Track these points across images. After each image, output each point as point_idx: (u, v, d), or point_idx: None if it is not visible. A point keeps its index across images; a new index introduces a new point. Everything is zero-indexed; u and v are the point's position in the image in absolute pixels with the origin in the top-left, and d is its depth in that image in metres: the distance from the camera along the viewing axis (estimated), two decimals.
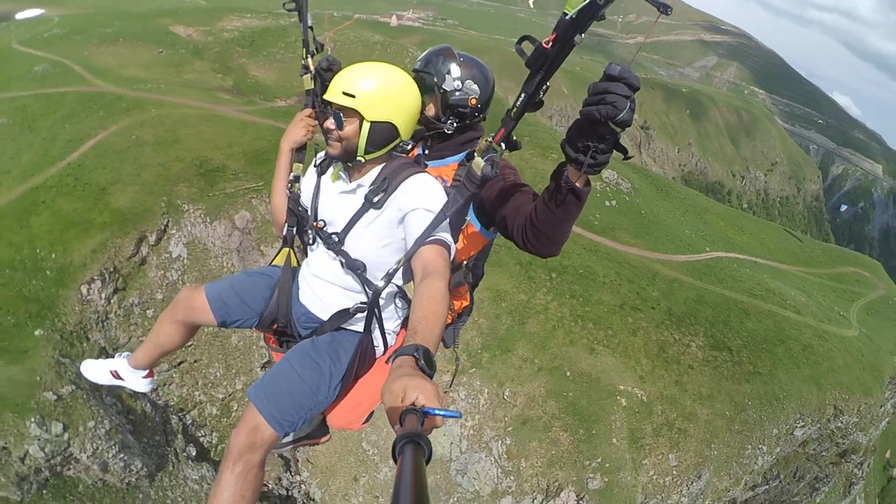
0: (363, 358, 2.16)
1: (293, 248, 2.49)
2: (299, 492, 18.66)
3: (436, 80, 2.20)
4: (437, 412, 1.06)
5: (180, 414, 18.33)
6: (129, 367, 2.67)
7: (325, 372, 2.05)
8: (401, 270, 2.00)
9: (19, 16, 41.96)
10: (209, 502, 1.79)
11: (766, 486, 19.05)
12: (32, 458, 13.47)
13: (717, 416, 16.79)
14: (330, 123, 2.03)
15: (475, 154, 1.92)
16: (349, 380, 2.12)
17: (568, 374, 16.28)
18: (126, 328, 17.91)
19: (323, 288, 2.20)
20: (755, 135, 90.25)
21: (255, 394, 1.97)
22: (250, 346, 19.00)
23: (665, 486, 15.34)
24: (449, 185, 2.10)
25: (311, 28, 2.55)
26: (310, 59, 2.53)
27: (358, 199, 2.07)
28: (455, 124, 2.24)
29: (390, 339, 2.22)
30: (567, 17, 1.48)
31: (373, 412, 2.20)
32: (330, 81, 2.09)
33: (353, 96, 1.94)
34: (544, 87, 1.66)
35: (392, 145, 2.07)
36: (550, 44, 1.56)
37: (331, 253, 2.15)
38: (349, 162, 2.08)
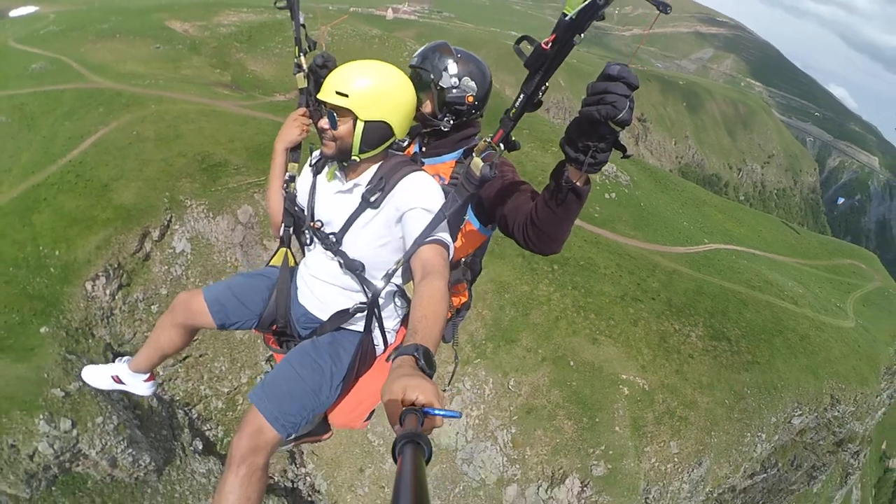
0: (364, 357, 2.16)
1: (290, 249, 2.46)
2: (304, 484, 18.85)
3: (432, 76, 2.17)
4: (436, 412, 1.06)
5: (186, 408, 18.47)
6: (129, 372, 2.67)
7: (327, 372, 2.05)
8: (400, 270, 2.01)
9: (13, 13, 41.56)
10: None
11: (765, 475, 19.36)
12: (41, 456, 13.52)
13: (717, 405, 17.07)
14: (324, 123, 2.01)
15: (474, 154, 1.92)
16: (350, 379, 2.12)
17: (571, 363, 16.53)
18: (131, 324, 18.01)
19: (321, 288, 2.20)
20: (752, 127, 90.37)
21: (256, 396, 1.95)
22: (255, 341, 19.15)
23: (667, 473, 15.63)
24: (447, 182, 2.09)
25: (304, 26, 2.52)
26: (302, 58, 2.50)
27: (355, 199, 2.06)
28: (452, 122, 2.21)
29: (390, 338, 2.22)
30: (566, 18, 1.48)
31: (374, 410, 2.20)
32: (324, 78, 2.07)
33: (347, 96, 1.92)
34: (543, 88, 1.66)
35: (387, 144, 2.06)
36: (550, 45, 1.56)
37: (329, 253, 2.14)
38: (344, 161, 2.07)
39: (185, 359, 18.52)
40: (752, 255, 29.36)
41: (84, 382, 2.80)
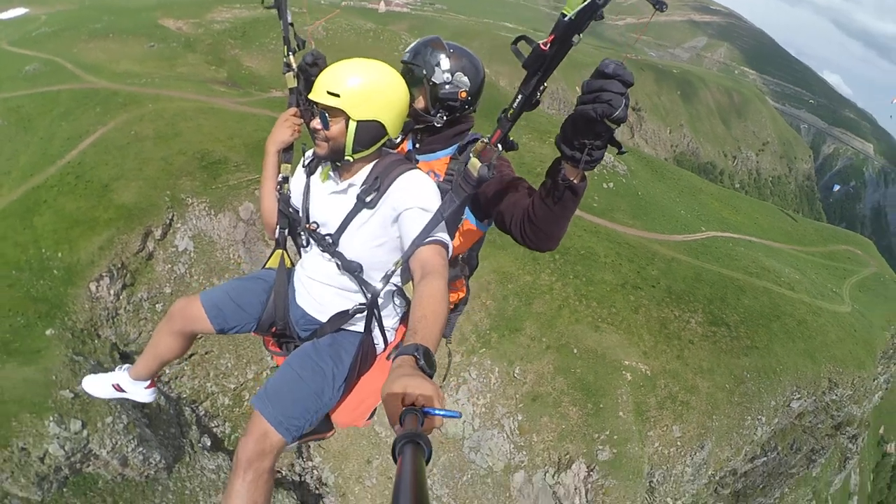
0: (364, 356, 2.16)
1: (286, 250, 2.45)
2: (312, 477, 19.05)
3: (425, 72, 2.14)
4: (437, 412, 1.07)
5: (193, 405, 18.60)
6: (130, 380, 2.66)
7: (329, 374, 2.05)
8: (399, 271, 2.00)
9: (2, 16, 41.10)
10: None
11: (765, 458, 19.70)
12: (52, 457, 13.53)
13: (718, 389, 17.36)
14: (316, 123, 1.98)
15: (471, 154, 1.89)
16: (352, 379, 2.13)
17: (574, 351, 16.78)
18: (136, 323, 18.11)
19: (319, 290, 2.18)
20: (746, 115, 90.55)
21: (260, 401, 1.95)
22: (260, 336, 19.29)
23: (670, 457, 15.94)
24: (441, 179, 2.10)
25: (292, 25, 2.48)
26: (291, 57, 2.48)
27: (350, 199, 2.04)
28: (445, 117, 2.19)
29: (390, 336, 2.22)
30: (566, 19, 1.47)
31: (377, 408, 2.20)
32: (315, 77, 2.04)
33: (338, 95, 1.89)
34: (541, 88, 1.65)
35: (380, 143, 2.04)
36: (548, 45, 1.54)
37: (326, 255, 2.12)
38: (338, 162, 2.04)
39: (190, 356, 18.65)
40: (748, 242, 29.63)
41: (85, 392, 2.79)
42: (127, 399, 2.76)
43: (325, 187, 2.16)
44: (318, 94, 1.93)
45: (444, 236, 1.86)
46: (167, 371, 18.43)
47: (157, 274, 18.57)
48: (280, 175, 2.42)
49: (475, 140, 2.15)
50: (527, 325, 17.33)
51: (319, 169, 2.21)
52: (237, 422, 18.84)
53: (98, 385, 2.74)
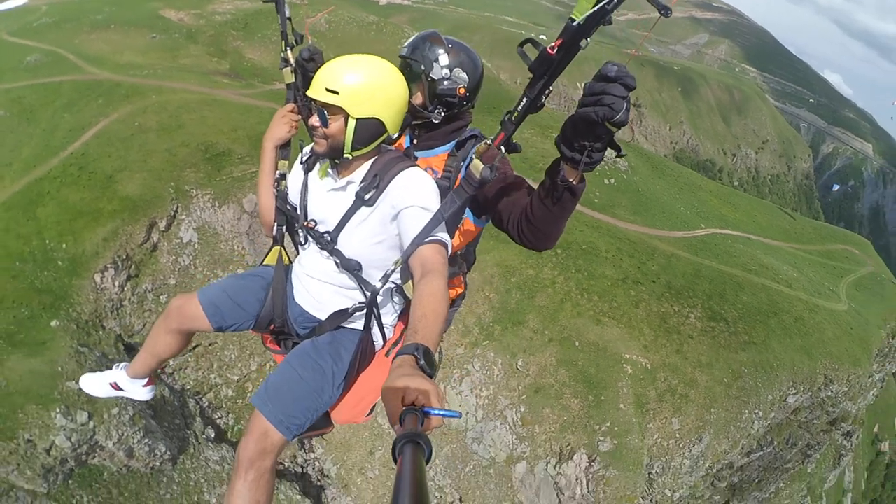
0: (363, 354, 2.16)
1: (284, 247, 2.43)
2: (314, 469, 19.22)
3: (423, 67, 2.11)
4: (437, 412, 1.07)
5: (197, 397, 18.72)
6: (128, 378, 2.65)
7: (328, 372, 2.05)
8: (398, 270, 1.99)
9: (2, 6, 40.84)
10: None
11: (761, 453, 19.96)
12: (58, 449, 13.59)
13: (716, 383, 17.59)
14: (314, 121, 1.96)
15: (473, 156, 1.89)
16: (351, 377, 2.13)
17: (576, 344, 17.01)
18: (140, 315, 18.21)
19: (317, 287, 2.17)
20: (746, 113, 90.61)
21: (260, 400, 1.96)
22: None
23: (669, 449, 16.19)
24: (440, 175, 2.10)
25: (290, 19, 2.45)
26: (289, 52, 2.44)
27: (349, 197, 2.03)
28: (443, 114, 2.17)
29: (388, 333, 2.23)
30: (574, 24, 1.47)
31: (376, 404, 2.22)
32: (313, 73, 2.04)
33: (337, 93, 1.87)
34: (546, 92, 1.65)
35: (380, 140, 2.02)
36: (556, 49, 1.54)
37: (324, 252, 2.11)
38: (336, 159, 2.03)
39: (194, 348, 18.78)
40: (747, 239, 29.82)
41: (82, 391, 2.77)
42: (125, 397, 2.74)
43: (324, 184, 2.14)
44: (316, 92, 1.91)
45: (445, 236, 1.86)
46: (171, 363, 18.53)
47: (162, 265, 18.66)
48: (277, 171, 2.39)
49: (473, 136, 2.18)
50: (529, 318, 17.56)
51: (317, 166, 2.19)
52: (241, 413, 18.99)
53: (95, 384, 2.72)
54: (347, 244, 2.05)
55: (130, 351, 17.43)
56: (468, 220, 2.20)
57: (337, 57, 1.95)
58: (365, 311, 2.12)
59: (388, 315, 2.20)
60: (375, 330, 2.18)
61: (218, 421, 18.75)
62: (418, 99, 2.15)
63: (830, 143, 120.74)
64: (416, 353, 1.28)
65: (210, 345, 19.09)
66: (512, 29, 74.17)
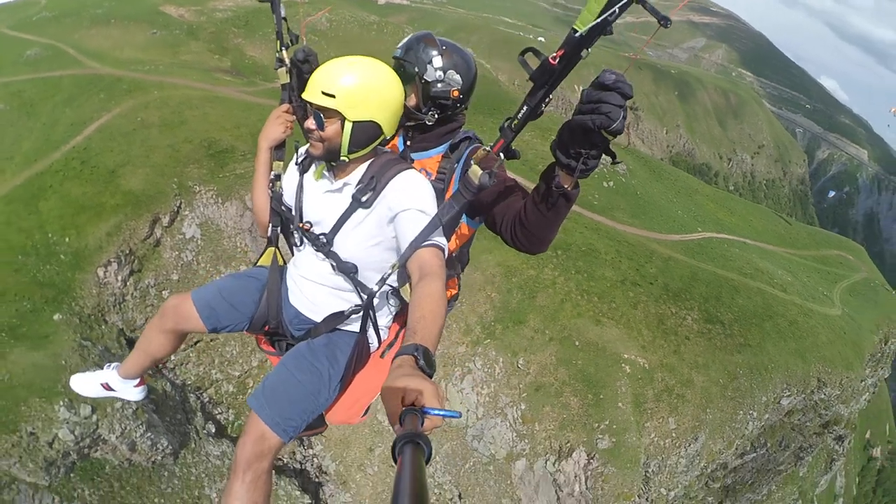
0: (359, 356, 2.17)
1: (278, 248, 2.42)
2: (312, 465, 19.33)
3: (417, 69, 2.10)
4: (437, 412, 1.07)
5: (197, 392, 18.80)
6: (119, 378, 2.63)
7: (325, 375, 2.05)
8: (395, 273, 2.00)
9: (1, 0, 40.64)
10: None
11: (755, 454, 20.26)
12: (61, 442, 13.63)
13: (712, 384, 17.89)
14: (310, 124, 1.95)
15: (472, 161, 1.88)
16: (347, 379, 2.14)
17: (576, 343, 17.28)
18: (143, 310, 18.26)
19: (312, 289, 2.17)
20: (742, 117, 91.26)
21: (256, 403, 1.96)
22: None
23: (665, 448, 16.46)
24: (433, 177, 2.10)
25: (285, 19, 2.44)
26: (284, 52, 2.42)
27: (345, 199, 2.02)
28: (436, 116, 2.16)
29: (383, 334, 2.23)
30: (577, 35, 1.48)
31: (370, 405, 2.24)
32: (307, 74, 2.03)
33: (334, 96, 1.86)
34: (546, 101, 1.66)
35: (376, 143, 2.01)
36: (557, 60, 1.55)
37: (320, 254, 2.10)
38: (333, 162, 2.02)
39: (196, 343, 18.85)
40: (743, 243, 30.19)
41: (73, 391, 2.74)
42: (116, 398, 2.73)
43: (319, 186, 2.13)
44: (312, 95, 1.90)
45: (442, 240, 1.87)
46: (172, 357, 18.60)
47: (165, 261, 18.71)
48: (272, 172, 2.38)
49: (467, 138, 2.19)
50: (530, 318, 17.81)
51: (313, 167, 2.17)
52: (241, 409, 19.07)
53: (86, 384, 2.69)
54: (343, 246, 2.05)
55: (133, 346, 17.44)
56: (462, 222, 2.20)
57: (335, 58, 1.95)
58: (361, 313, 2.12)
59: (384, 317, 2.21)
60: (371, 332, 2.19)
61: (218, 416, 18.83)
62: (412, 101, 2.14)
63: (826, 148, 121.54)
64: (415, 354, 1.28)
65: (212, 340, 19.16)
66: (510, 30, 74.41)
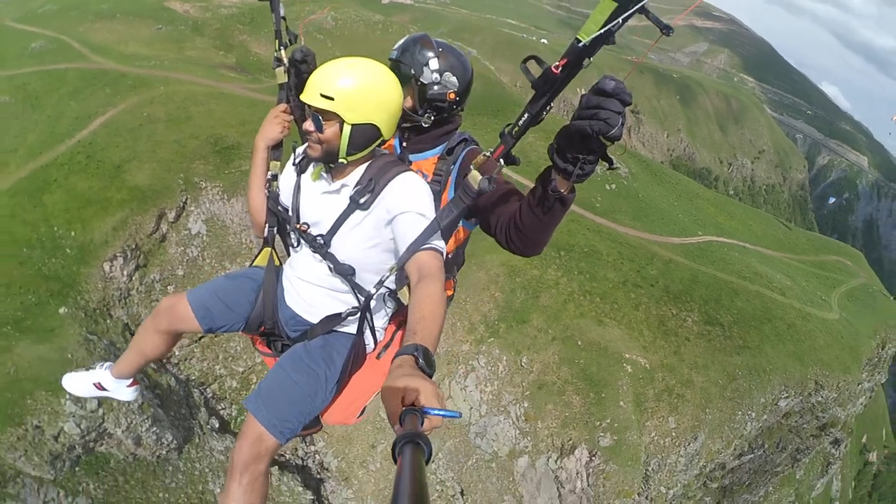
0: (355, 357, 2.17)
1: (274, 248, 2.41)
2: (314, 461, 19.42)
3: (413, 71, 2.10)
4: (437, 412, 1.07)
5: (201, 387, 18.88)
6: (112, 378, 2.61)
7: (321, 376, 2.05)
8: (393, 276, 1.99)
9: None
10: None
11: (752, 455, 20.45)
12: (67, 436, 13.66)
13: (711, 384, 18.09)
14: (309, 126, 1.94)
15: (472, 167, 1.88)
16: (344, 380, 2.14)
17: (579, 343, 17.49)
18: (148, 304, 18.32)
19: (308, 291, 2.16)
20: (743, 122, 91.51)
21: (253, 405, 1.97)
22: None
23: (665, 447, 16.65)
24: (430, 179, 2.11)
25: (284, 18, 2.44)
26: (283, 51, 2.42)
27: (343, 200, 2.01)
28: (432, 118, 2.16)
29: (379, 335, 2.23)
30: (580, 45, 1.49)
31: (366, 406, 2.25)
32: (305, 74, 2.03)
33: (332, 98, 1.85)
34: (547, 108, 1.67)
35: (375, 145, 2.01)
36: (560, 69, 1.56)
37: (317, 256, 2.09)
38: (331, 163, 2.01)
39: (200, 339, 18.92)
40: (742, 247, 30.37)
41: (64, 390, 2.73)
42: (108, 398, 2.72)
43: (317, 187, 2.12)
44: (310, 97, 1.89)
45: (441, 244, 1.87)
46: (176, 353, 18.68)
47: (170, 256, 18.79)
48: (269, 172, 2.37)
49: (463, 140, 2.20)
50: (534, 317, 18.00)
51: (310, 168, 2.16)
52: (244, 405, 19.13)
53: (78, 383, 2.68)
54: (341, 248, 2.04)
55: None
56: (459, 224, 2.21)
57: (334, 58, 1.94)
58: (358, 315, 2.12)
59: (380, 319, 2.21)
60: (367, 333, 2.19)
61: (222, 412, 18.91)
62: (408, 102, 2.14)
63: (826, 154, 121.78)
64: (415, 354, 1.29)
65: (216, 336, 19.22)
66: (513, 32, 74.50)
